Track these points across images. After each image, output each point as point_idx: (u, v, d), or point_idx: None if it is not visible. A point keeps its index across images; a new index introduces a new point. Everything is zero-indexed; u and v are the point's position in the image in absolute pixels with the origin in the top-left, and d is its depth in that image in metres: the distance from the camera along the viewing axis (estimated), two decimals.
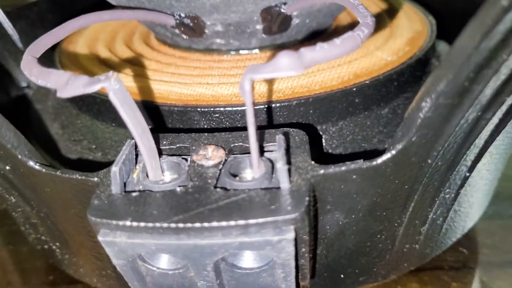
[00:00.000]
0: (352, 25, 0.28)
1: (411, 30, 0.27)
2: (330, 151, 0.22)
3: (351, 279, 0.20)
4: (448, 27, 0.29)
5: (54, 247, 0.22)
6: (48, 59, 0.28)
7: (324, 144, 0.22)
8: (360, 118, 0.22)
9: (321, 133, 0.22)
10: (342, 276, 0.20)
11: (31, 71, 0.16)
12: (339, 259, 0.19)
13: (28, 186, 0.18)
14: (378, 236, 0.19)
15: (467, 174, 0.19)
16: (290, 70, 0.14)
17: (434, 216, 0.20)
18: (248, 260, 0.16)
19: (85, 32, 0.30)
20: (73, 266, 0.22)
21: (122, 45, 0.28)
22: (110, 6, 0.29)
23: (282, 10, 0.22)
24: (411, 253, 0.21)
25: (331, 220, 0.18)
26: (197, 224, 0.14)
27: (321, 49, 0.14)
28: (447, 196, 0.20)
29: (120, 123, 0.23)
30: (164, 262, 0.16)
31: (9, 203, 0.22)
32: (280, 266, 0.15)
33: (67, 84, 0.14)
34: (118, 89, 0.14)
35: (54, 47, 0.29)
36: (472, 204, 0.23)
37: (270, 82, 0.22)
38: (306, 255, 0.16)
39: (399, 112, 0.23)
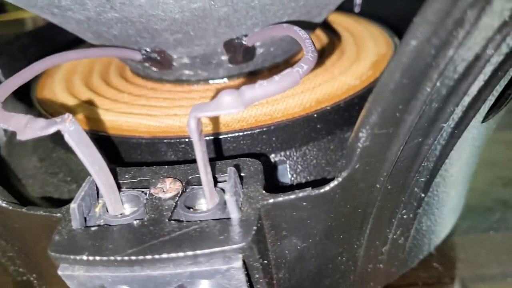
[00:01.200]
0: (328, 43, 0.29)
1: (376, 53, 0.28)
2: (295, 175, 0.23)
3: None
4: None
5: (31, 278, 0.23)
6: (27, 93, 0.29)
7: (288, 169, 0.22)
8: (323, 143, 0.23)
9: (285, 158, 0.22)
10: None
11: None
12: (302, 282, 0.20)
13: (0, 223, 0.19)
14: (339, 258, 0.20)
15: (422, 195, 0.20)
16: (231, 108, 0.14)
17: (394, 236, 0.21)
18: (205, 287, 0.17)
19: (64, 65, 0.31)
20: None
21: (98, 78, 0.29)
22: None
23: (244, 42, 0.23)
24: (376, 272, 0.22)
25: (289, 245, 0.18)
26: (149, 256, 0.15)
27: (260, 86, 0.15)
28: (404, 216, 0.21)
29: None
30: None
31: None
32: None
33: (26, 127, 0.15)
34: (73, 130, 0.15)
35: (33, 80, 0.30)
36: (436, 222, 0.24)
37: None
38: (261, 280, 0.17)
39: None
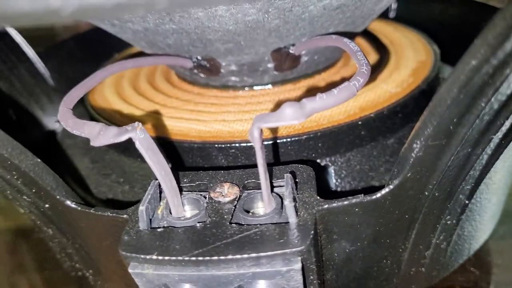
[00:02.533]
0: None
1: (416, 60, 0.28)
2: (339, 180, 0.23)
3: None
4: (456, 52, 0.31)
5: (87, 274, 0.24)
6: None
7: (333, 174, 0.23)
8: (366, 149, 0.24)
9: (330, 164, 0.23)
10: None
11: (67, 122, 0.18)
12: (348, 283, 0.21)
13: (65, 221, 0.21)
14: (384, 261, 0.21)
15: (466, 202, 0.21)
16: (293, 120, 0.15)
17: (437, 241, 0.22)
18: (262, 287, 0.18)
19: None
20: None
21: (145, 82, 0.30)
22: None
23: (291, 51, 0.24)
24: (418, 275, 0.23)
25: (338, 248, 0.19)
26: (214, 257, 0.16)
27: (320, 99, 0.16)
28: (448, 222, 0.21)
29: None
30: None
31: (46, 234, 0.24)
32: None
33: (99, 135, 0.17)
34: (143, 138, 0.16)
35: None
36: (476, 228, 0.24)
37: None
38: (315, 281, 0.18)
39: (405, 141, 0.25)
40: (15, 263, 0.31)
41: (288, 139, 0.23)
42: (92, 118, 0.28)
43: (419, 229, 0.20)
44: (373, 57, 0.30)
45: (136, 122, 0.17)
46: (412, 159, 0.16)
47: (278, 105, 0.25)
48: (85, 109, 0.29)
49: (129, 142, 0.25)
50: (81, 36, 0.39)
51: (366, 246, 0.20)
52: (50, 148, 0.31)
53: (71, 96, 0.20)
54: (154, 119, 0.25)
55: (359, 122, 0.23)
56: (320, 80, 0.27)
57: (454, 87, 0.14)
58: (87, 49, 0.39)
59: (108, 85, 0.30)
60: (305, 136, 0.23)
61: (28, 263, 0.31)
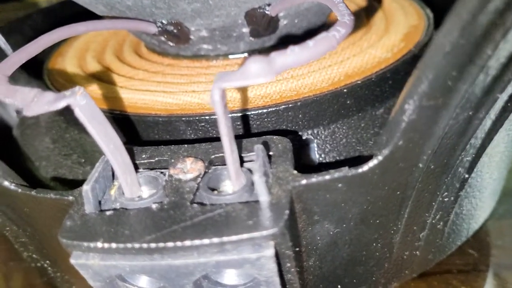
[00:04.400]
0: None
1: (407, 25, 0.26)
2: (323, 155, 0.21)
3: None
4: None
5: (45, 265, 0.22)
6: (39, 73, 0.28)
7: (316, 149, 0.21)
8: (353, 120, 0.21)
9: (312, 137, 0.21)
10: (339, 287, 0.19)
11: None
12: (334, 270, 0.19)
13: (9, 206, 0.18)
14: (374, 244, 0.18)
15: (466, 176, 0.18)
16: (260, 76, 0.13)
17: (433, 221, 0.19)
18: (231, 277, 0.15)
19: (75, 43, 0.30)
20: (65, 284, 0.22)
21: (111, 55, 0.27)
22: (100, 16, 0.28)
23: (267, 12, 0.22)
24: (412, 259, 0.20)
25: (321, 231, 0.17)
26: (170, 244, 0.13)
27: (292, 52, 0.13)
28: (445, 199, 0.19)
29: None
30: (144, 281, 0.15)
31: None
32: (263, 283, 0.14)
33: (32, 102, 0.14)
34: (85, 104, 0.14)
35: (44, 59, 0.29)
36: (476, 206, 0.22)
37: (256, 87, 0.21)
38: (293, 269, 0.15)
39: None
40: (6, 252, 0.28)
41: (264, 110, 0.20)
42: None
43: (413, 208, 0.18)
44: (360, 20, 0.27)
45: (77, 86, 0.14)
46: (403, 124, 0.14)
47: None
48: (42, 85, 0.26)
49: None
50: (47, 10, 0.36)
51: (353, 227, 0.17)
52: (12, 128, 0.29)
53: (9, 61, 0.17)
54: (117, 92, 0.23)
55: (345, 90, 0.21)
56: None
57: (454, 29, 0.11)
58: (53, 23, 0.35)
59: (70, 58, 0.28)
60: (283, 106, 0.20)
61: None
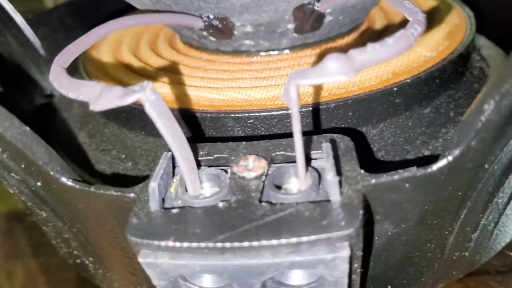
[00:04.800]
0: (387, 21, 0.27)
1: (449, 23, 0.26)
2: (371, 154, 0.21)
3: None
4: (486, 20, 0.28)
5: (86, 262, 0.22)
6: (71, 66, 0.28)
7: (364, 148, 0.21)
8: (401, 119, 0.21)
9: (361, 136, 0.21)
10: (389, 287, 0.19)
11: (61, 83, 0.15)
12: (386, 271, 0.18)
13: (60, 202, 0.18)
14: (428, 245, 0.18)
15: None
16: (340, 74, 0.12)
17: (485, 222, 0.19)
18: (296, 277, 0.15)
19: (108, 37, 0.30)
20: (106, 281, 0.22)
21: (147, 48, 0.27)
22: (132, 9, 0.28)
23: (316, 8, 0.21)
24: (461, 261, 0.20)
25: (380, 231, 0.17)
26: (245, 243, 0.13)
27: (373, 50, 0.13)
28: (499, 200, 0.19)
29: (150, 132, 0.22)
30: (207, 281, 0.15)
31: (39, 217, 0.21)
32: (332, 284, 0.14)
33: (100, 96, 0.14)
34: (155, 99, 0.13)
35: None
36: None
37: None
38: (358, 270, 0.15)
39: (442, 111, 0.22)
40: (9, 248, 0.28)
41: (314, 107, 0.20)
42: None
43: (470, 208, 0.17)
44: (401, 16, 0.27)
45: (145, 81, 0.14)
46: (480, 124, 0.14)
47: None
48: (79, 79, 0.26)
49: (131, 113, 0.23)
50: (75, 2, 0.35)
51: (411, 228, 0.17)
52: (42, 124, 0.28)
53: (65, 54, 0.17)
54: (159, 86, 0.22)
55: (394, 89, 0.20)
56: (343, 44, 0.25)
57: None
58: (80, 16, 0.35)
59: (105, 53, 0.27)
60: (333, 104, 0.20)
61: (23, 249, 0.28)
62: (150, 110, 0.13)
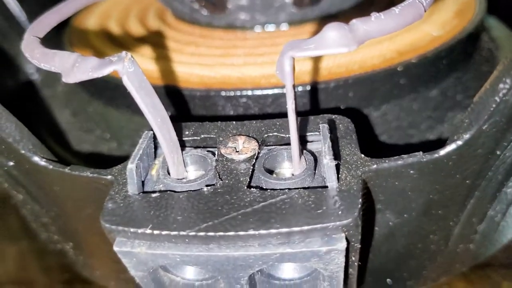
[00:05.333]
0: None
1: (458, 1, 0.24)
2: (373, 138, 0.19)
3: (398, 284, 0.18)
4: (499, 1, 0.26)
5: (67, 247, 0.20)
6: (58, 38, 0.26)
7: (366, 131, 0.19)
8: (405, 102, 0.20)
9: (362, 118, 0.19)
10: (388, 280, 0.18)
11: (32, 53, 0.14)
12: (386, 263, 0.17)
13: (35, 183, 0.16)
14: (431, 236, 0.17)
15: None
16: (340, 46, 0.11)
17: (492, 213, 0.18)
18: (287, 270, 0.14)
19: (97, 9, 0.28)
20: (88, 268, 0.21)
21: (136, 22, 0.25)
22: None
23: None
24: (465, 253, 0.19)
25: (381, 221, 0.15)
26: (231, 233, 0.11)
27: (378, 19, 0.11)
28: (508, 190, 0.17)
29: (136, 110, 0.20)
30: (190, 272, 0.14)
31: (16, 199, 0.20)
32: (327, 278, 0.13)
33: (74, 67, 0.12)
34: (133, 72, 0.12)
35: (63, 26, 0.27)
36: None
37: (303, 60, 0.19)
38: (356, 264, 0.14)
39: (449, 94, 0.21)
40: None
41: (312, 87, 0.18)
42: None
43: (478, 198, 0.16)
44: None
45: (124, 52, 0.12)
46: (494, 105, 0.12)
47: None
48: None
49: (117, 90, 0.21)
50: None
51: (414, 218, 0.16)
52: (26, 100, 0.27)
53: (40, 22, 0.15)
54: (146, 61, 0.21)
55: (398, 69, 0.19)
56: (345, 21, 0.23)
57: None
58: None
59: (92, 26, 0.26)
60: (333, 84, 0.18)
61: (14, 229, 0.27)
62: (128, 83, 0.12)
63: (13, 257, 0.25)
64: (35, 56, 0.13)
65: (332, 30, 0.11)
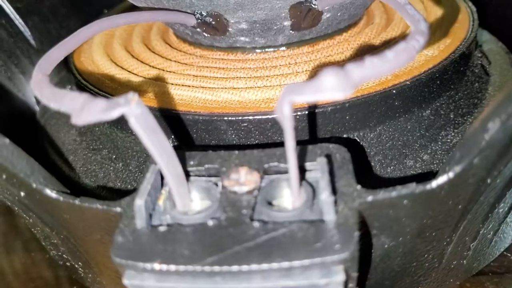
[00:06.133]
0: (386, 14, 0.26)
1: (450, 20, 0.25)
2: (368, 159, 0.20)
3: None
4: (489, 14, 0.27)
5: (76, 266, 0.21)
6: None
7: (361, 152, 0.20)
8: (400, 122, 0.20)
9: (358, 140, 0.20)
10: None
11: (42, 92, 0.14)
12: (382, 281, 0.18)
13: (46, 211, 0.17)
14: (426, 255, 0.18)
15: None
16: (337, 91, 0.12)
17: (485, 231, 0.19)
18: None
19: None
20: (97, 285, 0.21)
21: (139, 42, 0.26)
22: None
23: (313, 6, 0.20)
24: (458, 268, 0.20)
25: (376, 244, 0.16)
26: (235, 267, 0.12)
27: (372, 64, 0.12)
28: (500, 210, 0.18)
29: None
30: None
31: (26, 221, 0.21)
32: None
33: (83, 109, 0.13)
34: (140, 114, 0.13)
35: None
36: None
37: None
38: None
39: (442, 113, 0.21)
40: (8, 228, 0.28)
41: (311, 111, 0.19)
42: (78, 84, 0.24)
43: (470, 220, 0.17)
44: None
45: (131, 93, 0.13)
46: (484, 142, 0.13)
47: (295, 71, 0.21)
48: (69, 74, 0.25)
49: None
50: None
51: (409, 240, 0.16)
52: (32, 119, 0.28)
53: (48, 58, 0.16)
54: (150, 85, 0.22)
55: (393, 91, 0.20)
56: (341, 41, 0.24)
57: None
58: (73, 5, 0.34)
59: (96, 46, 0.26)
60: (330, 108, 0.19)
61: (13, 242, 0.28)
62: (135, 125, 0.13)
63: (25, 266, 0.26)
64: (45, 95, 0.14)
65: (329, 76, 0.12)
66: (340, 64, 0.21)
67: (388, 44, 0.22)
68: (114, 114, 0.12)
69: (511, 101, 0.12)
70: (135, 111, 0.13)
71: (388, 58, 0.12)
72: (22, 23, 0.31)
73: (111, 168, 0.22)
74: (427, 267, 0.18)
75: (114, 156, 0.22)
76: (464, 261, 0.20)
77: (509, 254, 0.25)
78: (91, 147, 0.23)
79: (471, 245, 0.19)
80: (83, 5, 0.35)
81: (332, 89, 0.12)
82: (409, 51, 0.12)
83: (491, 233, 0.19)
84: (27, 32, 0.31)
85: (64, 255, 0.21)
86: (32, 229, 0.22)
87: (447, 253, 0.18)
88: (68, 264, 0.22)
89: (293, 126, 0.13)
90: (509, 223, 0.20)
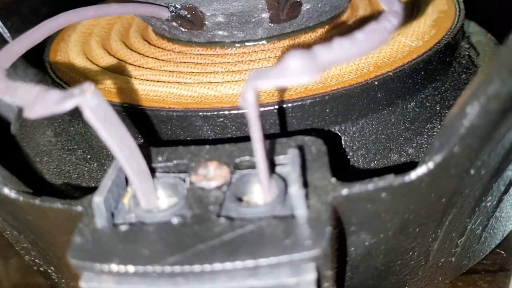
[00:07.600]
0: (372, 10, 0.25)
1: (436, 9, 0.24)
2: (351, 154, 0.19)
3: None
4: (477, 4, 0.26)
5: (49, 270, 0.20)
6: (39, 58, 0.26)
7: (343, 146, 0.19)
8: (383, 115, 0.20)
9: (339, 134, 0.19)
10: None
11: None
12: (365, 281, 0.17)
13: (9, 213, 0.16)
14: (410, 253, 0.17)
15: None
16: (302, 75, 0.11)
17: (473, 227, 0.18)
18: None
19: (78, 26, 0.28)
20: None
21: (117, 40, 0.25)
22: None
23: None
24: (447, 266, 0.19)
25: (356, 242, 0.15)
26: (196, 267, 0.11)
27: (340, 47, 0.11)
28: (488, 204, 0.17)
29: None
30: None
31: None
32: None
33: (35, 102, 0.12)
34: (96, 105, 0.12)
35: (45, 44, 0.27)
36: None
37: None
38: None
39: (428, 105, 0.20)
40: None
41: (289, 104, 0.18)
42: (53, 83, 0.23)
43: (455, 215, 0.16)
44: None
45: (87, 83, 0.12)
46: (463, 129, 0.12)
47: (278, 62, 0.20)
48: (43, 72, 0.24)
49: None
50: None
51: (391, 237, 0.16)
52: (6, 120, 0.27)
53: (7, 52, 0.15)
54: (125, 82, 0.21)
55: (376, 83, 0.19)
56: (324, 34, 0.23)
57: None
58: (54, 5, 0.33)
59: (73, 44, 0.26)
60: (309, 100, 0.18)
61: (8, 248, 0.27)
62: (91, 117, 0.12)
63: (4, 275, 0.25)
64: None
65: (294, 59, 0.11)
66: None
67: None
68: (67, 106, 0.12)
69: (491, 82, 0.11)
70: (91, 103, 0.12)
71: (358, 40, 0.11)
72: (1, 24, 0.30)
73: (86, 168, 0.21)
74: (413, 265, 0.17)
75: (89, 156, 0.21)
76: (453, 259, 0.19)
77: (502, 252, 0.24)
78: (66, 147, 0.22)
79: (459, 242, 0.18)
80: (66, 6, 0.34)
81: (297, 73, 0.11)
82: (381, 32, 0.12)
83: (480, 228, 0.18)
84: (5, 34, 0.30)
85: (36, 260, 0.20)
86: (4, 233, 0.21)
87: (433, 250, 0.17)
88: (41, 269, 0.21)
89: (258, 114, 0.12)
90: (498, 218, 0.19)
